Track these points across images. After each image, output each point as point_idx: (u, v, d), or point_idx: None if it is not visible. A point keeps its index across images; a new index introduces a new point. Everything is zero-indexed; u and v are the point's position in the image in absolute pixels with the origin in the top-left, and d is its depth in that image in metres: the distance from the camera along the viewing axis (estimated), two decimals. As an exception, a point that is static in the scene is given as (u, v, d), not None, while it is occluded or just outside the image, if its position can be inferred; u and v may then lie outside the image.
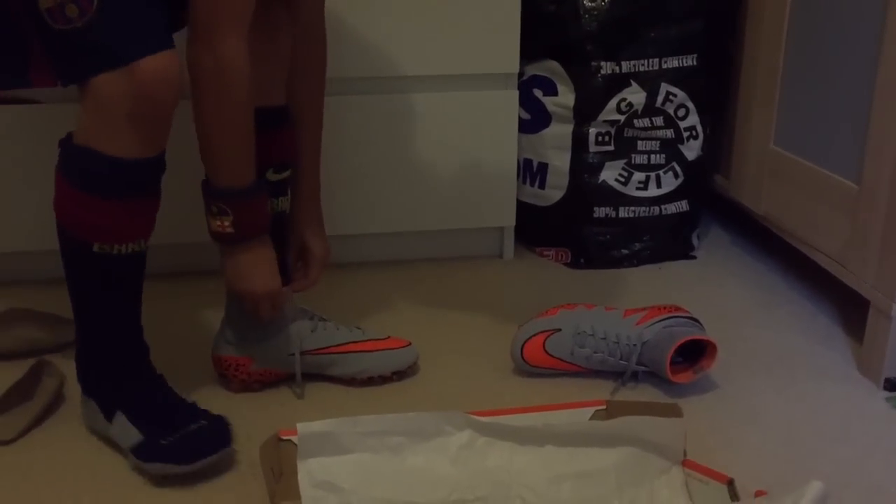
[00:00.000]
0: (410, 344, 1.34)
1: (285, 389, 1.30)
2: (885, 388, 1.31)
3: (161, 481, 1.09)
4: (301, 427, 1.00)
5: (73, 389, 1.28)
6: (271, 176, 1.27)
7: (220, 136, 1.12)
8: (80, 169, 1.05)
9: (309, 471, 0.99)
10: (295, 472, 1.01)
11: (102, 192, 1.05)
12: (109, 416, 1.14)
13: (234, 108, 1.11)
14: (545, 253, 1.79)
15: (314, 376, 1.31)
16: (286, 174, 1.30)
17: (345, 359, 1.30)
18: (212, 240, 1.19)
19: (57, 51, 1.03)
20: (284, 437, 1.08)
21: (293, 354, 1.28)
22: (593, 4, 1.62)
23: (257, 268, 1.19)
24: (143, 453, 1.10)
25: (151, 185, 1.09)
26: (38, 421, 1.21)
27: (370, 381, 1.31)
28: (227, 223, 1.15)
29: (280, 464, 1.04)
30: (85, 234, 1.07)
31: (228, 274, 1.20)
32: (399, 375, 1.33)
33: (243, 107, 1.11)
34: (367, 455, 1.01)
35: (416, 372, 1.35)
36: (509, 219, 1.75)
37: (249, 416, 1.23)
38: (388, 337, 1.34)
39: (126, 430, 1.12)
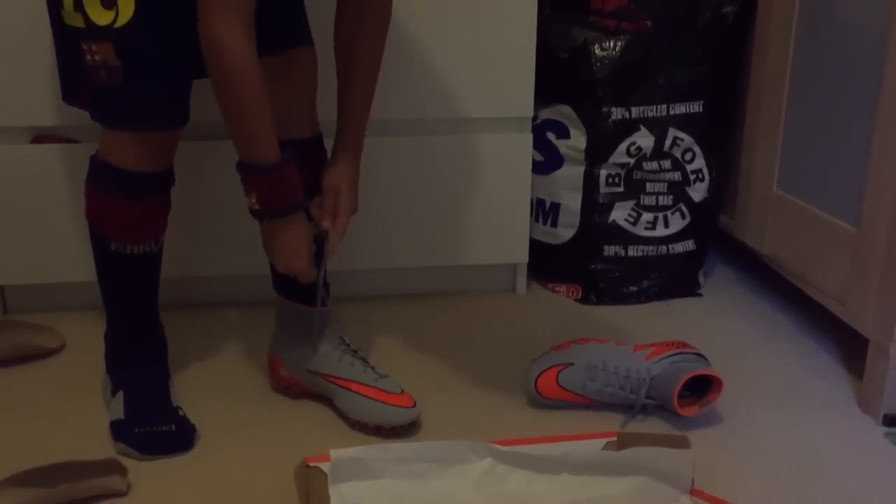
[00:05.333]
0: (415, 405, 1.31)
1: (315, 414, 1.36)
2: (884, 424, 1.35)
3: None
4: (334, 453, 1.05)
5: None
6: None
7: (229, 113, 1.15)
8: (99, 177, 1.27)
9: (341, 494, 1.04)
10: (322, 497, 1.06)
11: (115, 194, 1.26)
12: (114, 393, 1.33)
13: (234, 91, 1.12)
14: (557, 288, 1.85)
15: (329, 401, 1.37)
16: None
17: (343, 394, 1.33)
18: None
19: (91, 95, 1.23)
20: (311, 464, 1.13)
21: (309, 372, 1.36)
22: (604, 53, 1.70)
23: (284, 245, 1.23)
24: (116, 430, 1.29)
25: (157, 193, 1.29)
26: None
27: (357, 426, 1.32)
28: (254, 200, 1.19)
29: (308, 489, 1.10)
30: (104, 231, 1.28)
31: (265, 245, 1.26)
32: (386, 432, 1.30)
33: (245, 90, 1.12)
34: (396, 480, 1.06)
35: (412, 433, 1.31)
36: (522, 255, 1.80)
37: (279, 440, 1.29)
38: (403, 392, 1.33)
39: (116, 407, 1.31)
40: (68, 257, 1.63)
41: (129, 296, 1.34)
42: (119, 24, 1.15)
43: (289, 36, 1.32)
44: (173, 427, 1.29)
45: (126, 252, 1.28)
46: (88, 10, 1.15)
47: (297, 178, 1.21)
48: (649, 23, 1.69)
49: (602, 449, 1.19)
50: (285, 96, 1.30)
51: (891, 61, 1.31)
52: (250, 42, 1.11)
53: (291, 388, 1.41)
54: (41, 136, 1.59)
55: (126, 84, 1.18)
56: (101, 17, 1.15)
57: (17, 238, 1.63)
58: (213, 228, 1.67)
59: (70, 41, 1.20)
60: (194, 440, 1.29)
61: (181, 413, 1.32)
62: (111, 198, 1.26)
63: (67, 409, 1.37)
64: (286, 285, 1.39)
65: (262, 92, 1.13)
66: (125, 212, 1.27)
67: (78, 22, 1.17)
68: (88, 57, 1.18)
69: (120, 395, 1.32)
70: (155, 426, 1.28)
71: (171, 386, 1.37)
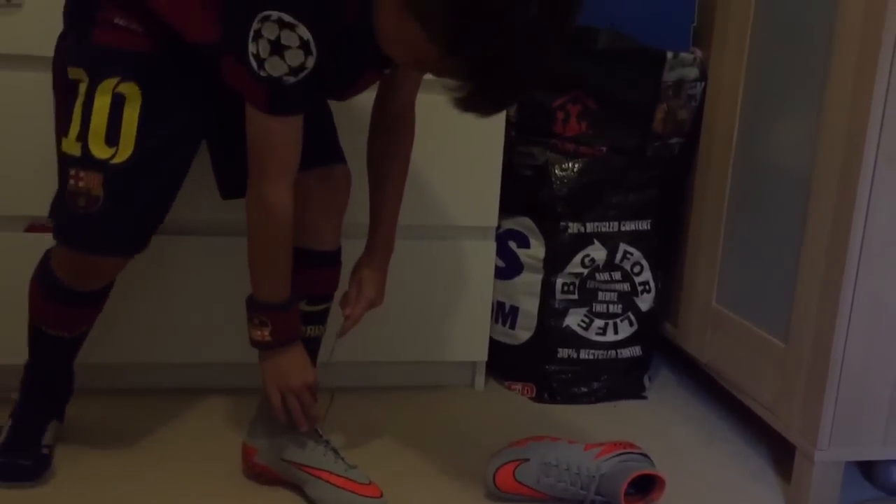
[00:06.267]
0: (382, 496, 1.39)
1: (286, 501, 1.43)
2: (809, 525, 1.46)
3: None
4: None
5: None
6: (304, 307, 1.43)
7: (263, 263, 1.29)
8: (38, 271, 1.40)
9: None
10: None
11: (41, 291, 1.39)
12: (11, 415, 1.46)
13: (275, 241, 1.27)
14: (513, 386, 1.95)
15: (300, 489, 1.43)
16: (320, 307, 1.47)
17: (315, 482, 1.40)
18: (251, 346, 1.34)
19: (59, 213, 1.31)
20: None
21: (283, 460, 1.42)
22: (564, 173, 1.86)
23: (292, 366, 1.34)
24: None
25: (83, 306, 1.40)
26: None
27: None
28: (266, 332, 1.31)
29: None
30: (29, 307, 1.42)
31: (268, 375, 1.35)
32: None
33: (284, 241, 1.27)
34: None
35: None
36: (482, 354, 1.89)
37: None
38: (371, 483, 1.41)
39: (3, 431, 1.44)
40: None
41: (40, 354, 1.46)
42: (115, 161, 1.23)
43: (329, 152, 1.46)
44: (28, 462, 1.42)
45: (40, 329, 1.42)
46: (90, 143, 1.22)
47: (298, 310, 1.35)
48: (605, 149, 1.85)
49: (555, 541, 1.28)
50: (319, 207, 1.43)
51: (814, 198, 1.45)
52: (292, 200, 1.25)
53: (263, 475, 1.47)
54: (36, 225, 1.64)
55: (99, 214, 1.25)
56: (101, 152, 1.23)
57: (9, 320, 1.66)
58: (201, 317, 1.74)
59: (61, 165, 1.28)
60: (43, 474, 1.41)
61: (45, 451, 1.44)
62: (38, 291, 1.39)
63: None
64: None
65: (292, 242, 1.28)
66: (44, 307, 1.40)
67: (74, 151, 1.24)
68: (72, 182, 1.24)
69: (9, 422, 1.45)
70: (14, 458, 1.42)
71: (49, 427, 1.47)
